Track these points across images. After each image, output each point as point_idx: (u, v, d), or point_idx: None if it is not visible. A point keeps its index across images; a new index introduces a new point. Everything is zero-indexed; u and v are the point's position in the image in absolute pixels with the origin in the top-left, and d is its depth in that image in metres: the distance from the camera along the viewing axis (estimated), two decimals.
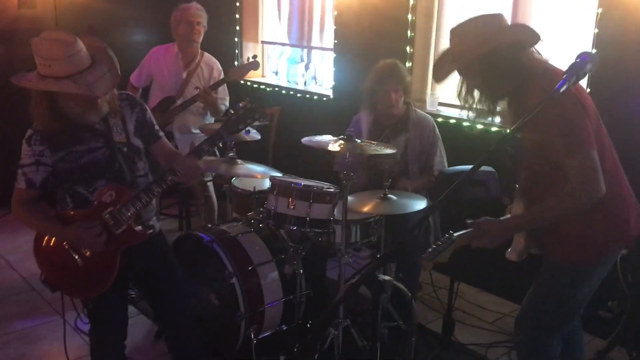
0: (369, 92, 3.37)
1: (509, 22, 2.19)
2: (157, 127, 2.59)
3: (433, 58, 4.20)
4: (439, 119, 3.99)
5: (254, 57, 4.15)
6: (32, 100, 2.30)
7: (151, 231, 2.50)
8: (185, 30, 4.02)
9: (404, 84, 3.32)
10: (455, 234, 2.06)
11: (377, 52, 4.29)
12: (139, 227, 2.41)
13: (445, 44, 4.17)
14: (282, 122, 5.13)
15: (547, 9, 3.58)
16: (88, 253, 2.35)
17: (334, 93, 4.80)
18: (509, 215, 2.29)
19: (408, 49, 4.15)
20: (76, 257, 2.36)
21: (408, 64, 4.15)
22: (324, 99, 4.89)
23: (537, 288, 2.29)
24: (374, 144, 2.87)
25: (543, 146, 2.03)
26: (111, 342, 2.54)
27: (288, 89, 5.23)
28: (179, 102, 4.09)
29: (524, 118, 1.85)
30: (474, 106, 2.21)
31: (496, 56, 2.04)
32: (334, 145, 2.77)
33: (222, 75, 4.19)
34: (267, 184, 3.31)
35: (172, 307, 2.61)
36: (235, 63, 4.07)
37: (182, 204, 4.55)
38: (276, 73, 5.70)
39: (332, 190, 2.85)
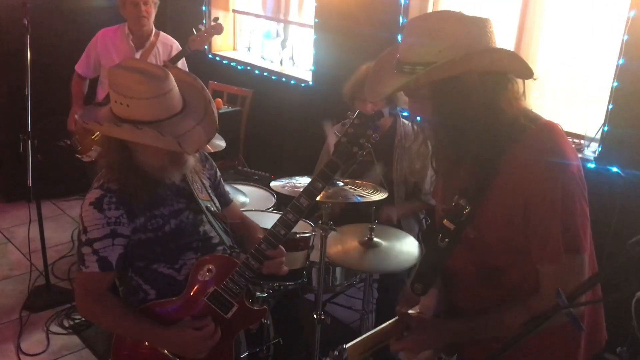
0: (348, 100, 2.86)
1: (494, 39, 1.38)
2: (226, 188, 2.09)
3: None
4: None
5: (215, 19, 3.60)
6: (102, 146, 1.76)
7: (265, 306, 1.95)
8: (131, 11, 3.44)
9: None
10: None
11: (364, 39, 3.76)
12: (252, 304, 1.87)
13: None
14: (254, 108, 4.58)
15: (563, 11, 3.06)
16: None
17: (313, 80, 4.24)
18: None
19: (399, 37, 3.59)
20: None
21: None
22: (303, 85, 4.33)
23: None
24: (359, 185, 2.36)
25: (512, 235, 1.42)
26: None
27: (262, 70, 4.65)
28: None
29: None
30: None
31: (463, 84, 1.33)
32: None
33: None
34: None
35: None
36: (194, 31, 3.48)
37: None
38: (249, 49, 5.10)
39: (307, 234, 2.37)
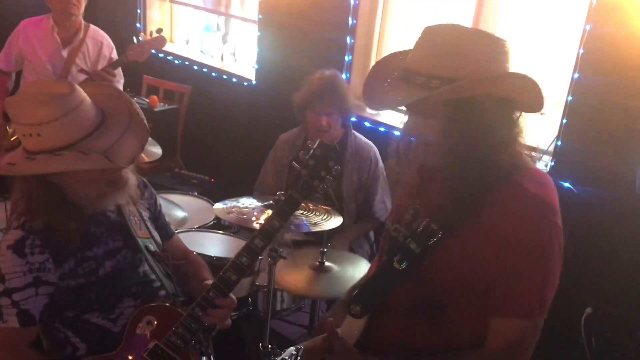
0: (298, 109, 2.67)
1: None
2: (167, 219, 1.86)
3: (376, 52, 3.53)
4: (381, 128, 3.38)
5: (159, 31, 3.32)
6: (18, 190, 1.50)
7: None
8: (58, 2, 3.11)
9: (342, 106, 2.62)
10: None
11: (312, 39, 3.60)
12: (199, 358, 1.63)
13: (391, 35, 3.63)
14: (192, 106, 4.32)
15: (518, 24, 2.99)
16: None
17: (257, 79, 4.03)
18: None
19: (348, 39, 3.45)
20: None
21: (347, 57, 3.46)
22: (245, 83, 4.11)
23: None
24: (313, 210, 2.19)
25: (471, 275, 1.30)
26: None
27: (202, 65, 4.39)
28: None
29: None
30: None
31: (480, 107, 1.23)
32: (263, 216, 2.07)
33: (114, 52, 3.33)
34: None
35: None
36: (135, 39, 3.20)
37: None
38: (187, 42, 4.82)
39: None
